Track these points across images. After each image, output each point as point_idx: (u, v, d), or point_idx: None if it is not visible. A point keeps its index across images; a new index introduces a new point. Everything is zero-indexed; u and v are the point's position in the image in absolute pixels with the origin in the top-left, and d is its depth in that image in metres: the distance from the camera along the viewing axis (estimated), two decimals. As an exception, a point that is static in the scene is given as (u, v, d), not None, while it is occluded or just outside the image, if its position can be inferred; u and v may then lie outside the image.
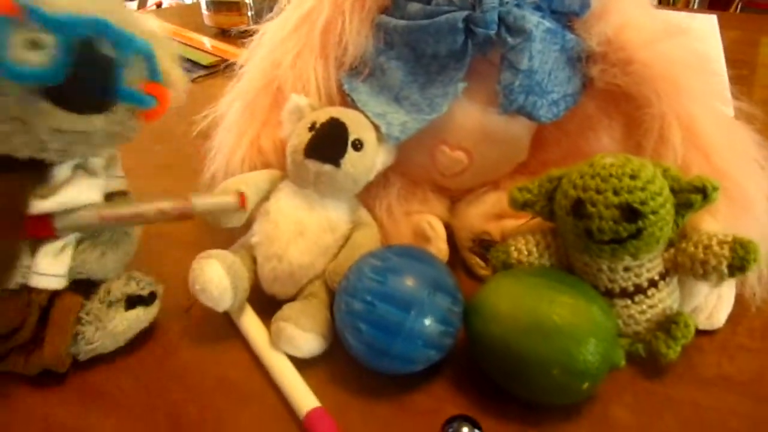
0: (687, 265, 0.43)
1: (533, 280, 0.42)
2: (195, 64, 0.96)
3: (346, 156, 0.46)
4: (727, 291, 0.48)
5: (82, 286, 0.44)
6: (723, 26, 1.07)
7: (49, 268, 0.41)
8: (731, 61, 0.94)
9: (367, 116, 0.49)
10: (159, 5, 2.08)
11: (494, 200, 0.52)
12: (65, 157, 0.40)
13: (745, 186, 0.45)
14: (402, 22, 0.49)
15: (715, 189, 0.41)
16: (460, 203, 0.54)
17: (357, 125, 0.48)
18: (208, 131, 0.56)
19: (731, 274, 0.41)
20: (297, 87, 0.51)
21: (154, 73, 0.40)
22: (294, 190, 0.48)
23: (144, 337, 0.47)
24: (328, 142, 0.47)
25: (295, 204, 0.48)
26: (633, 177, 0.40)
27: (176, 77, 0.42)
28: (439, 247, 0.49)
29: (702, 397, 0.43)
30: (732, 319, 0.48)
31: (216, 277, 0.45)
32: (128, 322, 0.45)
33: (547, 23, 0.46)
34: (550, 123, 0.50)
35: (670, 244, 0.44)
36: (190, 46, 1.01)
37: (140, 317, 0.46)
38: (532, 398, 0.41)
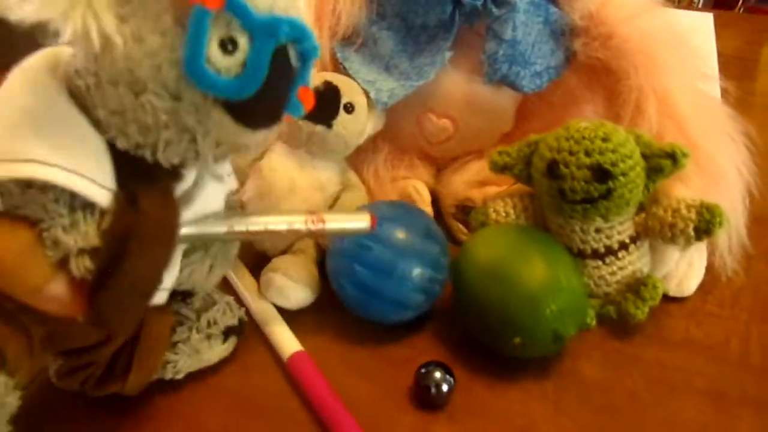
0: (656, 229, 0.44)
1: (515, 234, 0.44)
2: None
3: (338, 118, 0.48)
4: (698, 260, 0.50)
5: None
6: (725, 25, 1.09)
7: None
8: (733, 59, 0.96)
9: (357, 83, 0.51)
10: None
11: (478, 168, 0.53)
12: (206, 163, 0.34)
13: (717, 157, 0.47)
14: (394, -7, 0.51)
15: (684, 155, 0.42)
16: (445, 171, 0.56)
17: (349, 89, 0.50)
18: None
19: (698, 238, 0.43)
20: (291, 53, 0.53)
21: (308, 79, 0.33)
22: (286, 150, 0.50)
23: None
24: (321, 104, 0.48)
25: (287, 163, 0.50)
26: (605, 140, 0.42)
27: None
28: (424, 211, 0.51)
29: (669, 358, 0.45)
30: (703, 287, 0.50)
31: None
32: (220, 352, 0.43)
33: (532, -4, 0.48)
34: (534, 94, 0.52)
35: (642, 209, 0.46)
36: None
37: (230, 348, 0.44)
38: (503, 350, 0.43)
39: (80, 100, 0.31)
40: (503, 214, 0.48)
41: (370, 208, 0.46)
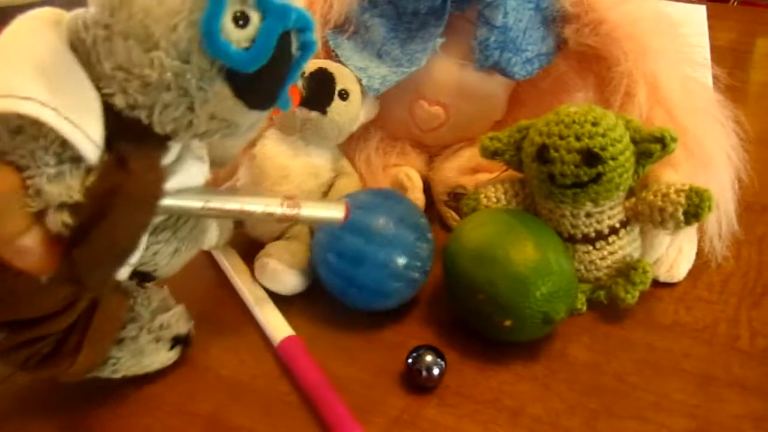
0: (646, 213, 0.45)
1: (505, 218, 0.44)
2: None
3: (333, 104, 0.49)
4: (688, 245, 0.50)
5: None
6: (719, 17, 1.09)
7: None
8: (727, 50, 0.97)
9: (349, 70, 0.51)
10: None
11: (469, 155, 0.54)
12: (193, 138, 0.34)
13: (706, 142, 0.47)
14: (385, -20, 0.51)
15: (673, 139, 0.43)
16: (437, 159, 0.56)
17: (343, 76, 0.50)
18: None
19: (687, 222, 0.43)
20: (283, 40, 0.53)
21: (299, 74, 0.34)
22: (279, 137, 0.50)
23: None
24: (316, 91, 0.49)
25: (281, 150, 0.50)
26: (594, 124, 0.42)
27: None
28: (416, 197, 0.51)
29: (657, 340, 0.45)
30: (692, 273, 0.50)
31: None
32: (162, 361, 0.42)
33: (522, -18, 0.49)
34: (525, 81, 0.53)
35: (632, 193, 0.46)
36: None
37: (173, 357, 0.43)
38: (493, 333, 0.43)
39: (82, 55, 0.31)
40: (494, 200, 0.48)
41: (349, 196, 0.46)
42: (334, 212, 0.39)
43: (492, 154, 0.47)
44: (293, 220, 0.40)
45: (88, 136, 0.30)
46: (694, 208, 0.43)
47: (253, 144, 0.51)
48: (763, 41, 1.07)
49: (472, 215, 0.47)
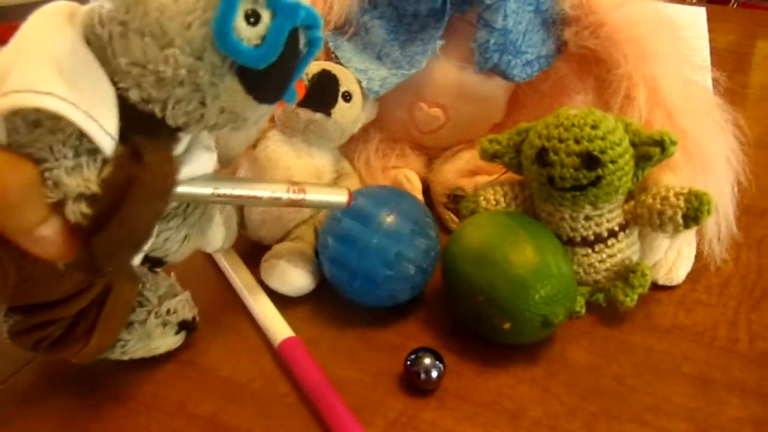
0: (645, 216, 0.45)
1: (504, 220, 0.44)
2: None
3: (336, 106, 0.49)
4: (687, 248, 0.50)
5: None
6: (719, 20, 1.09)
7: None
8: (727, 53, 0.97)
9: (350, 72, 0.51)
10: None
11: (469, 157, 0.54)
12: (203, 130, 0.35)
13: (705, 145, 0.47)
14: (386, -18, 0.51)
15: (673, 143, 0.43)
16: (436, 160, 0.56)
17: (346, 78, 0.50)
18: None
19: (686, 225, 0.43)
20: (284, 42, 0.53)
21: (305, 69, 0.36)
22: (281, 138, 0.51)
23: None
24: (320, 92, 0.49)
25: (283, 151, 0.50)
26: (594, 127, 0.42)
27: None
28: (414, 198, 0.51)
29: (656, 343, 0.45)
30: (691, 276, 0.50)
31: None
32: (169, 344, 0.43)
33: (522, -16, 0.49)
34: (525, 84, 0.53)
35: (631, 196, 0.46)
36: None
37: (179, 342, 0.44)
38: (492, 336, 0.43)
39: (98, 49, 0.31)
40: (493, 202, 0.48)
41: (359, 188, 0.47)
42: (339, 196, 0.42)
43: (491, 157, 0.47)
44: (299, 205, 0.41)
45: (104, 129, 0.31)
46: (694, 211, 0.43)
47: (254, 145, 0.51)
48: (763, 43, 1.07)
49: (472, 217, 0.47)
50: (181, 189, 0.36)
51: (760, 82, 0.90)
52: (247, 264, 0.50)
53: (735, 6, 1.71)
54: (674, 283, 0.50)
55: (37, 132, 0.30)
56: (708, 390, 0.42)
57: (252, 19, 0.30)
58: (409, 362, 0.41)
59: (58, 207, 0.30)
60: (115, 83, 0.31)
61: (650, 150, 0.43)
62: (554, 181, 0.43)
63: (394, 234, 0.43)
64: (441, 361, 0.41)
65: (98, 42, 0.31)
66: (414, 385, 0.41)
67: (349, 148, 0.54)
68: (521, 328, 0.41)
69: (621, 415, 0.40)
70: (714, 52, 0.94)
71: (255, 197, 0.39)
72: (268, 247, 0.49)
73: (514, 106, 0.56)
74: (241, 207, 0.50)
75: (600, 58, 0.50)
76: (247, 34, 0.30)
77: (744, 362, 0.44)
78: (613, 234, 0.46)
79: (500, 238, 0.42)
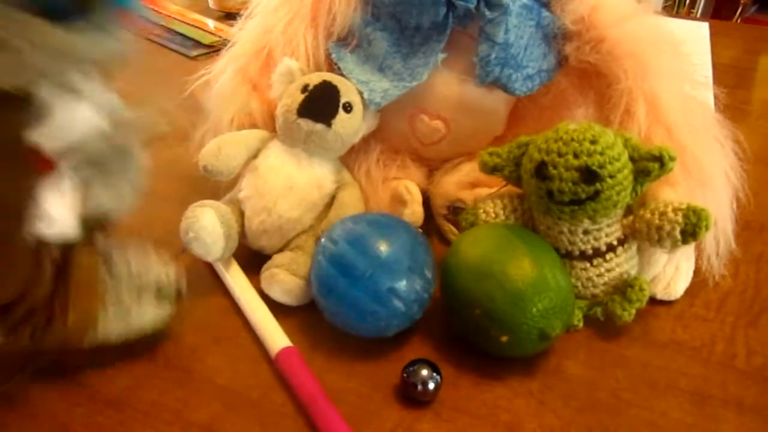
0: (644, 231, 0.45)
1: (503, 233, 0.45)
2: (197, 43, 0.99)
3: (337, 117, 0.49)
4: (685, 263, 0.50)
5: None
6: (722, 35, 1.09)
7: (57, 210, 0.35)
8: (730, 68, 0.97)
9: (351, 83, 0.51)
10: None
11: (469, 169, 0.54)
12: (43, 78, 0.32)
13: (704, 161, 0.47)
14: (389, -5, 0.51)
15: (671, 158, 0.43)
16: (437, 172, 0.57)
17: (347, 89, 0.50)
18: (200, 94, 0.59)
19: (684, 240, 0.44)
20: (287, 52, 0.54)
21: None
22: (283, 148, 0.51)
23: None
24: (321, 103, 0.49)
25: (285, 161, 0.50)
26: (593, 142, 0.42)
27: None
28: (414, 210, 0.51)
29: (654, 357, 0.45)
30: (690, 291, 0.51)
31: (210, 225, 0.48)
32: (151, 317, 0.41)
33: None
34: (526, 98, 0.53)
35: (630, 211, 0.46)
36: (192, 26, 1.04)
37: (162, 314, 0.42)
38: (489, 348, 0.43)
39: None
40: (493, 215, 0.48)
41: (367, 215, 0.46)
42: None
43: (491, 170, 0.47)
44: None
45: None
46: (692, 227, 0.43)
47: (255, 155, 0.52)
48: (766, 59, 1.07)
49: (471, 230, 0.47)
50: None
51: (762, 98, 0.91)
52: (247, 273, 0.50)
53: (739, 21, 1.72)
54: (672, 298, 0.50)
55: None
56: (704, 406, 0.42)
57: None
58: (406, 373, 0.41)
59: None
60: None
61: (649, 165, 0.43)
62: (553, 194, 0.43)
63: (389, 269, 0.42)
64: (438, 372, 0.41)
65: None
66: (411, 396, 0.41)
67: (350, 159, 0.54)
68: (518, 341, 0.41)
69: (617, 429, 0.40)
70: (716, 67, 0.95)
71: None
72: (268, 257, 0.50)
73: (515, 119, 0.56)
74: (241, 215, 0.51)
75: (601, 72, 0.50)
76: None
77: (741, 378, 0.44)
78: (611, 248, 0.46)
79: (498, 251, 0.43)
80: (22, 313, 0.36)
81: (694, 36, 1.06)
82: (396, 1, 0.51)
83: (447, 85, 0.52)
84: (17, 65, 0.31)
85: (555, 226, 0.46)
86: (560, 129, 0.44)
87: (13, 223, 0.32)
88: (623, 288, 0.46)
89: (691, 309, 0.50)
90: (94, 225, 0.38)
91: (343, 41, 0.55)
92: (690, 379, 0.44)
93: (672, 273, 0.49)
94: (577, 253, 0.46)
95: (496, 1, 0.48)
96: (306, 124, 0.49)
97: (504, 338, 0.41)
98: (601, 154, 0.42)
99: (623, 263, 0.46)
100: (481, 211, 0.48)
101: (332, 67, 0.54)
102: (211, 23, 1.06)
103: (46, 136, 0.34)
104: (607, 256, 0.46)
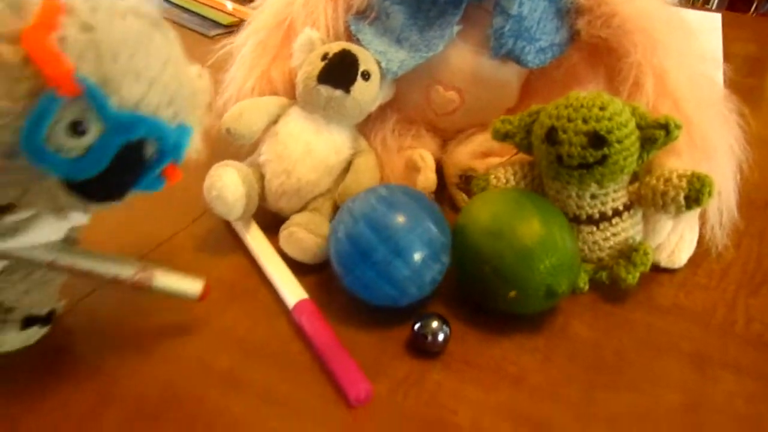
0: (649, 197, 0.47)
1: (513, 195, 0.46)
2: (215, 23, 1.01)
3: (356, 84, 0.51)
4: (689, 232, 0.52)
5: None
6: (735, 26, 1.10)
7: None
8: (742, 58, 0.98)
9: (369, 53, 0.53)
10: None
11: (481, 140, 0.56)
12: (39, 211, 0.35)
13: (710, 133, 0.49)
14: (407, -31, 0.53)
15: (677, 127, 0.44)
16: (450, 143, 0.58)
17: (366, 58, 0.52)
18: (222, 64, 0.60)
19: (688, 206, 0.45)
20: (307, 24, 0.55)
21: (178, 159, 0.35)
22: (302, 115, 0.53)
23: (150, 242, 0.52)
24: (341, 70, 0.51)
25: (304, 127, 0.52)
26: (602, 108, 0.44)
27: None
28: (428, 176, 0.53)
29: (657, 321, 0.47)
30: (693, 260, 0.52)
31: (232, 184, 0.50)
32: (21, 340, 0.42)
33: (538, -27, 0.51)
34: (538, 71, 0.55)
35: (636, 179, 0.48)
36: (211, 7, 1.06)
37: (34, 335, 0.43)
38: (497, 305, 0.45)
39: None
40: (503, 181, 0.50)
41: (389, 188, 0.46)
42: (191, 288, 0.42)
43: (503, 136, 0.49)
44: (144, 289, 0.41)
45: None
46: (695, 192, 0.44)
47: (275, 121, 0.53)
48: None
49: (482, 193, 0.49)
50: (20, 252, 0.36)
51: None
52: (266, 234, 0.52)
53: (754, 15, 1.72)
54: (676, 266, 0.51)
55: None
56: (704, 366, 0.44)
57: (80, 129, 0.29)
58: (416, 326, 0.43)
59: None
60: None
61: (655, 133, 0.45)
62: (562, 159, 0.45)
63: (406, 255, 0.43)
64: (447, 325, 0.43)
65: None
66: (421, 348, 0.43)
67: (366, 128, 0.56)
68: (526, 298, 0.43)
69: (619, 384, 0.42)
70: (728, 57, 0.95)
71: (96, 273, 0.40)
72: (286, 218, 0.51)
73: (527, 92, 0.58)
74: (261, 178, 0.53)
75: (611, 47, 0.52)
76: (70, 145, 0.29)
77: (740, 343, 0.46)
78: (617, 213, 0.47)
79: (508, 211, 0.44)
80: None
81: (707, 26, 1.07)
82: (414, -26, 0.53)
83: (462, 57, 0.53)
84: (18, 196, 0.32)
85: (563, 191, 0.47)
86: (570, 96, 0.45)
87: None
88: (628, 252, 0.47)
89: (694, 277, 0.51)
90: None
91: (361, 14, 0.57)
92: (691, 342, 0.46)
93: (676, 242, 0.51)
94: (584, 217, 0.47)
95: (511, -26, 0.50)
96: (326, 90, 0.51)
97: (512, 294, 0.43)
98: (610, 120, 0.44)
99: (629, 228, 0.48)
100: (492, 177, 0.50)
101: (351, 39, 0.56)
102: (229, 5, 1.08)
103: (10, 247, 0.36)
104: (613, 221, 0.47)
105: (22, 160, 0.30)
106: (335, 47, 0.52)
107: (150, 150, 0.32)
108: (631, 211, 0.48)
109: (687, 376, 0.43)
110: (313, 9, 0.56)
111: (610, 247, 0.48)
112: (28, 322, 0.42)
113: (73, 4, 0.30)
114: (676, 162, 0.48)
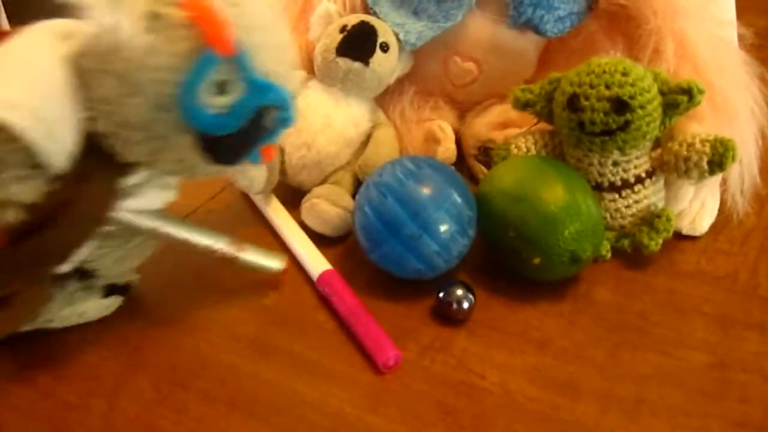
0: (671, 162, 0.47)
1: (536, 162, 0.47)
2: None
3: (375, 56, 0.51)
4: (711, 200, 0.52)
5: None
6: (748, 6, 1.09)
7: None
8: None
9: (387, 25, 0.53)
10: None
11: (500, 111, 0.56)
12: (158, 171, 0.38)
13: (731, 98, 0.49)
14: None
15: (700, 91, 0.44)
16: (468, 114, 0.58)
17: (384, 30, 0.53)
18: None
19: (711, 171, 0.45)
20: (324, -2, 0.55)
21: (274, 140, 0.38)
22: (321, 88, 0.53)
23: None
24: (359, 42, 0.51)
25: (323, 99, 0.52)
26: (624, 74, 0.44)
27: None
28: (447, 147, 0.53)
29: (679, 285, 0.47)
30: (714, 227, 0.52)
31: None
32: (101, 308, 0.44)
33: (557, -58, 0.51)
34: (556, 41, 0.55)
35: (658, 145, 0.48)
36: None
37: (111, 306, 0.44)
38: (522, 271, 0.45)
39: (80, 75, 0.33)
40: (524, 150, 0.50)
41: (414, 160, 0.46)
42: (274, 264, 0.45)
43: (524, 105, 0.49)
44: (231, 262, 0.44)
45: (57, 149, 0.33)
46: (719, 157, 0.44)
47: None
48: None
49: (505, 161, 0.49)
50: (128, 216, 0.39)
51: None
52: (287, 207, 0.53)
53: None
54: (698, 233, 0.51)
55: None
56: (728, 327, 0.44)
57: (223, 89, 0.33)
58: (441, 293, 0.43)
59: None
60: (88, 109, 0.33)
61: (678, 98, 0.45)
62: (584, 125, 0.45)
63: (435, 230, 0.43)
64: (472, 293, 0.44)
65: (80, 69, 0.33)
66: (446, 315, 0.44)
67: (384, 100, 0.56)
68: (550, 263, 0.43)
69: (643, 345, 0.42)
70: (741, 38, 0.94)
71: (191, 242, 0.42)
72: (305, 193, 0.52)
73: (544, 62, 0.58)
74: (281, 153, 0.53)
75: (630, 15, 0.52)
76: (215, 102, 0.33)
77: (764, 304, 0.46)
78: (639, 180, 0.47)
79: (532, 177, 0.44)
80: None
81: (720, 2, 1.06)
82: (431, -56, 0.53)
83: (480, 27, 0.53)
84: (151, 155, 0.35)
85: (585, 159, 0.47)
86: (592, 63, 0.45)
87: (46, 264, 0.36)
88: (650, 219, 0.48)
89: (716, 244, 0.51)
90: (79, 273, 0.41)
91: (378, -14, 0.56)
92: (714, 304, 0.46)
93: (698, 208, 0.51)
94: (606, 184, 0.48)
95: (530, -58, 0.49)
96: (344, 62, 0.51)
97: (536, 260, 0.43)
98: (632, 85, 0.44)
99: (651, 195, 0.48)
100: (513, 146, 0.50)
101: (368, 11, 0.56)
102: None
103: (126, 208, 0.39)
104: (636, 188, 0.48)
105: (173, 115, 0.32)
106: (353, 19, 0.52)
107: (271, 118, 0.35)
108: (654, 178, 0.48)
109: (711, 337, 0.43)
110: (329, -18, 0.56)
111: (632, 215, 0.48)
112: (110, 291, 0.44)
113: None
114: (698, 127, 0.47)
